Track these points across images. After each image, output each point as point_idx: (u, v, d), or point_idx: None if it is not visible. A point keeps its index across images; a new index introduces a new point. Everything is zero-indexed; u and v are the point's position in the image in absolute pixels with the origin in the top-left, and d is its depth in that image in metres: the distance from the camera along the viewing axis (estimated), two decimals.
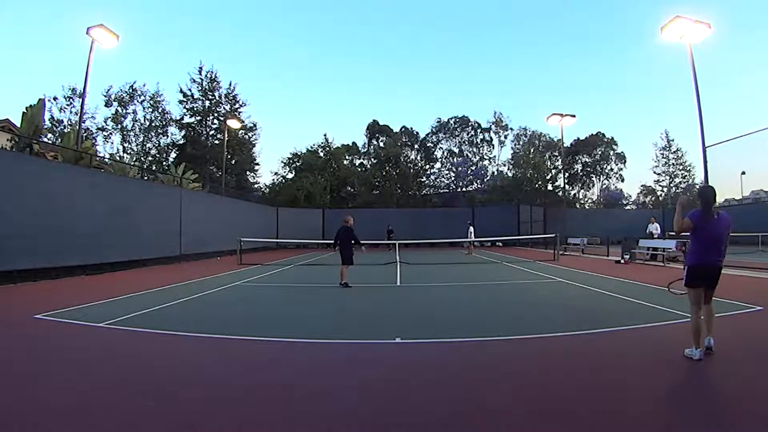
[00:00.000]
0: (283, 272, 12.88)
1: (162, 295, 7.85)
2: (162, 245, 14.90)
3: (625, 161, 44.80)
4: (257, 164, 35.95)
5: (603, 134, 44.35)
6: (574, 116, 23.10)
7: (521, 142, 43.70)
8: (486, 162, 43.81)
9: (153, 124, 32.67)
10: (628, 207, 43.00)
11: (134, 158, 31.39)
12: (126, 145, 31.96)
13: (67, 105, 28.75)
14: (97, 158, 18.61)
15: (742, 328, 4.85)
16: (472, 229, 20.56)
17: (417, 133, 43.03)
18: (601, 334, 4.73)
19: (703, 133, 12.51)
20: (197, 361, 3.94)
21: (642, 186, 45.04)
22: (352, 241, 9.05)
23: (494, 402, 2.90)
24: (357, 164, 40.98)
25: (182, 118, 32.52)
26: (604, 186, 45.36)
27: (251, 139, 34.80)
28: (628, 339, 4.56)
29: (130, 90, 31.63)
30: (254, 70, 57.38)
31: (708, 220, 3.69)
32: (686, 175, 41.47)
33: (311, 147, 37.89)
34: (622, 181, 45.23)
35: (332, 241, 9.41)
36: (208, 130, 32.91)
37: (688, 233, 3.88)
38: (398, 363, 3.86)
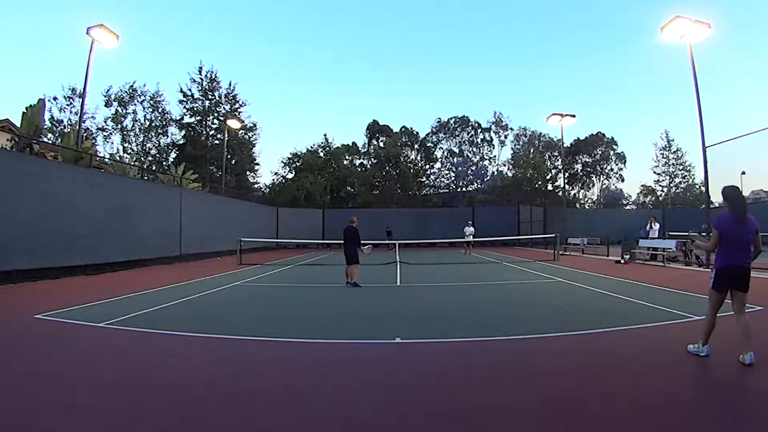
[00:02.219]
0: (283, 272, 12.88)
1: (162, 295, 7.85)
2: (162, 245, 14.89)
3: (625, 161, 44.95)
4: (257, 164, 36.02)
5: (603, 134, 44.48)
6: (574, 116, 23.12)
7: (521, 142, 43.81)
8: (486, 162, 43.93)
9: (153, 124, 32.71)
10: (628, 207, 43.01)
11: (134, 158, 31.42)
12: (126, 145, 32.06)
13: (67, 105, 28.85)
14: (97, 158, 18.62)
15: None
16: (471, 229, 20.42)
17: (417, 133, 43.10)
18: (601, 334, 4.72)
19: (703, 133, 12.49)
20: (197, 361, 3.94)
21: (642, 186, 45.20)
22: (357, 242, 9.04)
23: (494, 402, 2.90)
24: (357, 164, 40.99)
25: (182, 118, 32.58)
26: (604, 186, 45.46)
27: (251, 139, 34.82)
28: (628, 339, 4.56)
29: (130, 90, 31.70)
30: (254, 70, 57.52)
31: (737, 222, 3.48)
32: (686, 175, 41.59)
33: (311, 147, 37.95)
34: (622, 181, 45.44)
35: (342, 242, 9.30)
36: (208, 130, 32.92)
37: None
38: (398, 363, 3.86)
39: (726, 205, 3.61)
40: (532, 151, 41.96)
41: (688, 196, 40.62)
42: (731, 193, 3.63)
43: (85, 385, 3.24)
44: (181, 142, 32.74)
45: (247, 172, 35.12)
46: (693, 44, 12.88)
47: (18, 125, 16.40)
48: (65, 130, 26.06)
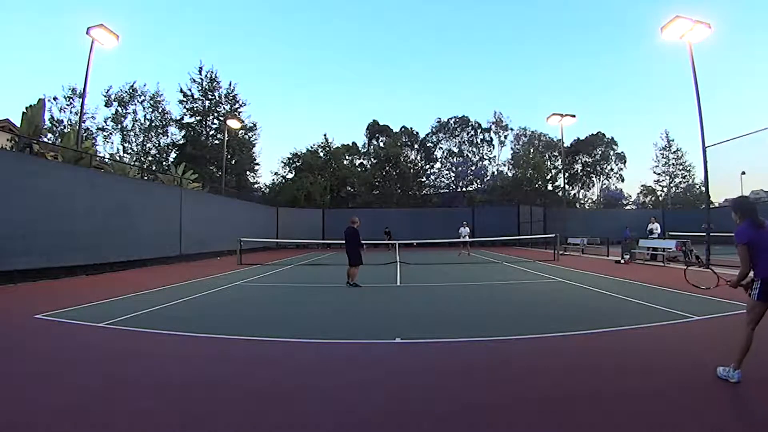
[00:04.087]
0: (283, 272, 12.88)
1: (162, 295, 7.85)
2: (162, 245, 14.89)
3: (625, 161, 44.91)
4: (257, 164, 36.05)
5: (603, 134, 44.43)
6: (574, 116, 23.10)
7: (521, 142, 43.74)
8: (486, 162, 43.87)
9: (153, 124, 32.71)
10: (628, 207, 43.01)
11: (134, 158, 31.42)
12: (126, 145, 32.06)
13: (67, 105, 28.87)
14: (97, 158, 18.61)
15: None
16: (467, 230, 19.96)
17: (417, 133, 43.04)
18: (601, 334, 4.73)
19: (703, 133, 12.49)
20: (197, 361, 3.93)
21: (642, 186, 45.22)
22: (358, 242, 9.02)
23: (494, 402, 2.90)
24: (357, 164, 40.96)
25: (182, 118, 32.60)
26: (604, 186, 45.42)
27: (251, 139, 34.84)
28: (628, 339, 4.56)
29: (130, 90, 31.72)
30: (254, 70, 57.51)
31: (758, 228, 3.16)
32: (686, 175, 41.63)
33: (311, 147, 37.91)
34: (622, 181, 45.40)
35: (343, 242, 9.27)
36: (208, 130, 32.93)
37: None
38: (398, 363, 3.86)
39: (737, 217, 3.30)
40: (532, 151, 41.92)
41: (688, 196, 40.64)
42: (742, 201, 3.41)
43: (85, 385, 3.24)
44: (181, 142, 32.74)
45: (247, 172, 35.14)
46: (693, 44, 12.88)
47: (18, 125, 16.40)
48: (65, 130, 26.07)
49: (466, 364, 3.78)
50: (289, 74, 60.65)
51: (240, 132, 32.20)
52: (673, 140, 42.01)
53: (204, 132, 32.78)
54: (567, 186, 40.09)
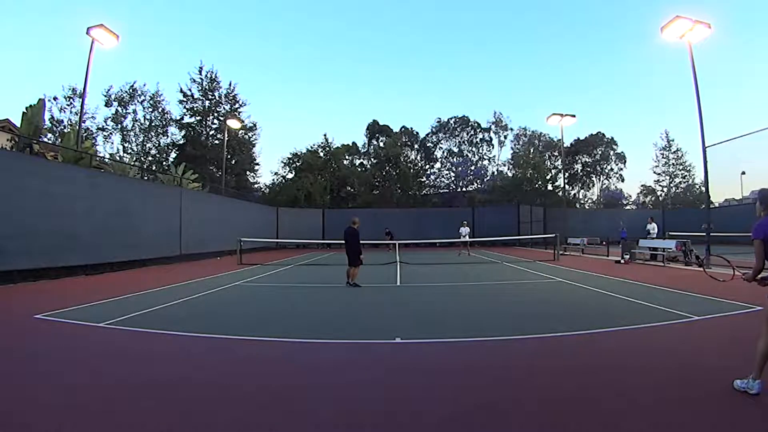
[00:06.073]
0: (283, 272, 12.88)
1: (162, 295, 7.85)
2: (162, 245, 14.90)
3: (625, 161, 44.90)
4: (257, 164, 36.00)
5: (603, 134, 44.42)
6: (574, 116, 23.07)
7: (521, 142, 43.77)
8: (486, 162, 43.89)
9: (153, 124, 32.68)
10: (628, 207, 43.00)
11: (134, 158, 31.39)
12: (126, 145, 32.00)
13: (67, 105, 28.83)
14: (97, 158, 18.60)
15: (741, 327, 4.85)
16: (467, 229, 19.95)
17: (417, 133, 43.07)
18: (602, 334, 4.73)
19: (703, 133, 12.50)
20: (197, 361, 3.94)
21: (642, 186, 45.19)
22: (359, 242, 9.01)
23: (494, 402, 2.90)
24: (357, 164, 40.94)
25: (182, 118, 32.54)
26: (604, 186, 45.41)
27: (251, 139, 34.79)
28: (628, 339, 4.56)
29: (130, 90, 31.66)
30: (254, 70, 57.54)
31: None
32: (686, 175, 41.61)
33: (311, 147, 37.87)
34: (622, 181, 45.38)
35: (343, 242, 9.29)
36: (208, 130, 32.89)
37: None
38: (398, 363, 3.86)
39: (762, 209, 3.06)
40: (532, 151, 41.95)
41: (688, 196, 40.64)
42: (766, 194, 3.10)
43: (85, 385, 3.24)
44: (181, 142, 32.70)
45: (247, 172, 35.10)
46: (693, 44, 12.88)
47: (18, 125, 16.42)
48: (65, 130, 26.06)
49: (466, 364, 3.78)
50: (289, 74, 60.83)
51: (240, 132, 32.16)
52: (673, 140, 42.07)
53: (204, 132, 32.75)
54: (567, 186, 40.07)
